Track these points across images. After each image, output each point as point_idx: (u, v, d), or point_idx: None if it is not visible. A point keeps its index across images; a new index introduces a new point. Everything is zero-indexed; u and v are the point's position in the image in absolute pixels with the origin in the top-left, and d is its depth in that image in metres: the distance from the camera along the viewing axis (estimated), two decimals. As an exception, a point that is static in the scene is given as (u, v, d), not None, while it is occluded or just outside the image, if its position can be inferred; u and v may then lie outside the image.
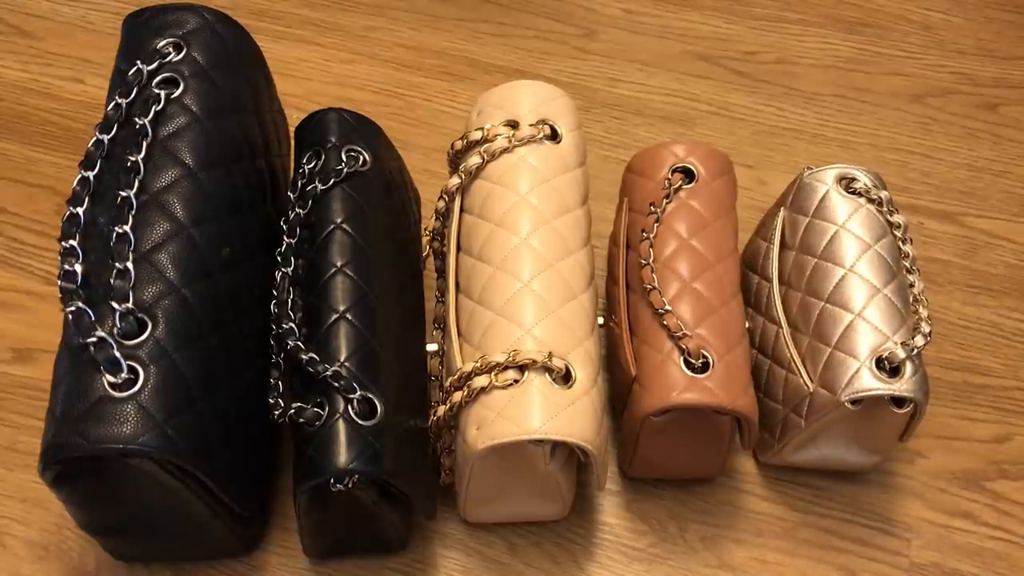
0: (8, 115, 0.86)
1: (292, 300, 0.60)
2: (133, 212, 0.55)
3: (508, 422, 0.56)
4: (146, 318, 0.53)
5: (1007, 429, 0.75)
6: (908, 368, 0.60)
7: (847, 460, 0.68)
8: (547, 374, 0.57)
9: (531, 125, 0.64)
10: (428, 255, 0.69)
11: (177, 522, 0.59)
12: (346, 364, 0.57)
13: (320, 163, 0.63)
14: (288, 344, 0.58)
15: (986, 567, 0.69)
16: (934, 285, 0.81)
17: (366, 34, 0.93)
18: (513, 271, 0.60)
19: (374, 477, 0.55)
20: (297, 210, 0.62)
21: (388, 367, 0.59)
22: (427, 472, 0.63)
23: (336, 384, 0.56)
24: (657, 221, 0.65)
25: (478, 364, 0.57)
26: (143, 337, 0.53)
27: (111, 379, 0.51)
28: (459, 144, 0.66)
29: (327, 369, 0.56)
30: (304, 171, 0.64)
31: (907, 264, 0.65)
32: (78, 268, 0.53)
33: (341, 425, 0.55)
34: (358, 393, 0.56)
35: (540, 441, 0.57)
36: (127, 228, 0.54)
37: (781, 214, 0.70)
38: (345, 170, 0.63)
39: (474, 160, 0.64)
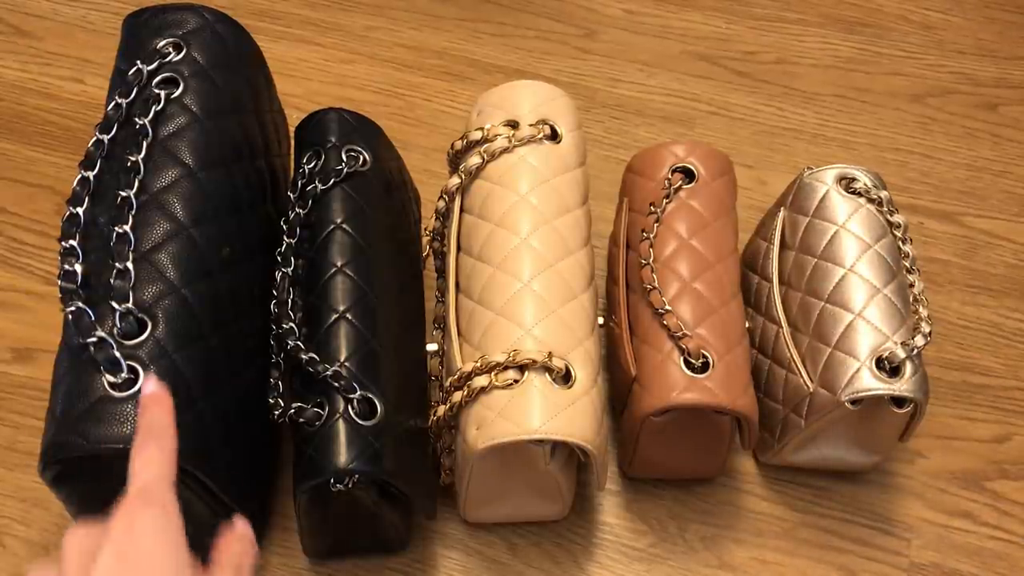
0: (8, 115, 0.86)
1: (292, 300, 0.60)
2: (133, 212, 0.55)
3: (508, 422, 0.56)
4: (146, 318, 0.53)
5: (1007, 429, 0.75)
6: (908, 368, 0.60)
7: (847, 460, 0.68)
8: (547, 374, 0.57)
9: (531, 125, 0.64)
10: (428, 255, 0.69)
11: (177, 522, 0.59)
12: (346, 364, 0.57)
13: (320, 163, 0.63)
14: (288, 344, 0.58)
15: (986, 567, 0.69)
16: (934, 285, 0.81)
17: (366, 34, 0.93)
18: (513, 271, 0.60)
19: (374, 477, 0.55)
20: (297, 210, 0.62)
21: (388, 367, 0.59)
22: (427, 472, 0.63)
23: (336, 384, 0.56)
24: (657, 221, 0.65)
25: (478, 364, 0.57)
26: (143, 337, 0.53)
27: (111, 379, 0.51)
28: (459, 144, 0.66)
29: (327, 369, 0.56)
30: (304, 171, 0.64)
31: (907, 264, 0.65)
32: (78, 268, 0.53)
33: (341, 425, 0.55)
34: (358, 393, 0.56)
35: (540, 441, 0.57)
36: (127, 228, 0.54)
37: (781, 214, 0.70)
38: (345, 170, 0.63)
39: (474, 160, 0.64)
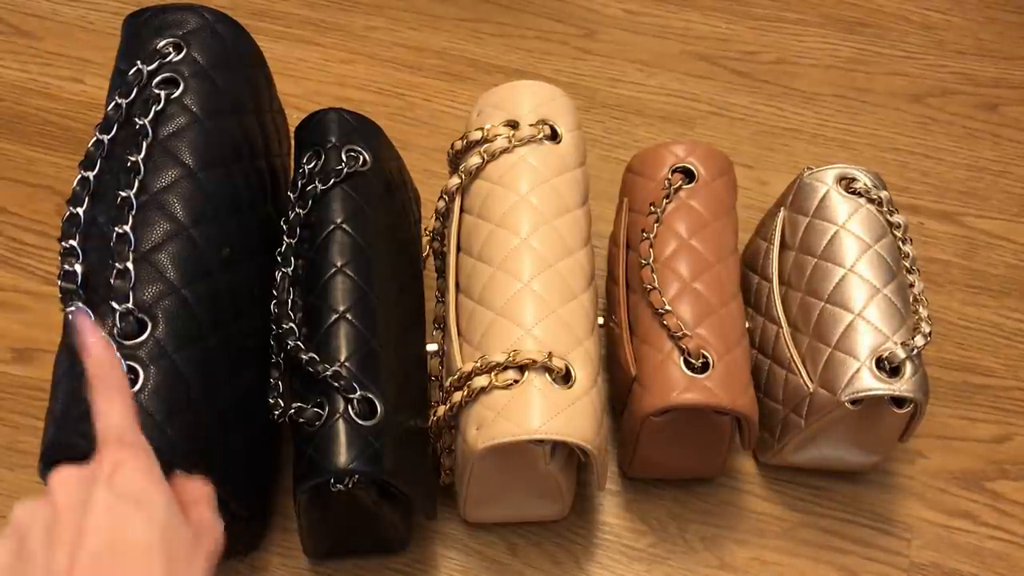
0: (8, 115, 0.86)
1: (292, 300, 0.60)
2: (133, 212, 0.55)
3: (508, 422, 0.56)
4: (146, 318, 0.53)
5: (1007, 429, 0.75)
6: (908, 368, 0.60)
7: (847, 460, 0.68)
8: (547, 374, 0.57)
9: (531, 125, 0.64)
10: (428, 255, 0.69)
11: (177, 522, 0.59)
12: (346, 364, 0.57)
13: (320, 163, 0.63)
14: (288, 344, 0.58)
15: (986, 567, 0.69)
16: (934, 285, 0.81)
17: (366, 34, 0.93)
18: (513, 271, 0.60)
19: (374, 477, 0.55)
20: (297, 210, 0.62)
21: (388, 367, 0.59)
22: (427, 472, 0.63)
23: (336, 384, 0.56)
24: (657, 221, 0.65)
25: (478, 364, 0.57)
26: (143, 337, 0.53)
27: (111, 379, 0.51)
28: (459, 144, 0.66)
29: (327, 369, 0.56)
30: (304, 171, 0.64)
31: (907, 264, 0.65)
32: (78, 268, 0.53)
33: (341, 425, 0.55)
34: (358, 393, 0.56)
35: (540, 441, 0.57)
36: (127, 228, 0.54)
37: (781, 214, 0.70)
38: (345, 170, 0.63)
39: (474, 160, 0.64)
